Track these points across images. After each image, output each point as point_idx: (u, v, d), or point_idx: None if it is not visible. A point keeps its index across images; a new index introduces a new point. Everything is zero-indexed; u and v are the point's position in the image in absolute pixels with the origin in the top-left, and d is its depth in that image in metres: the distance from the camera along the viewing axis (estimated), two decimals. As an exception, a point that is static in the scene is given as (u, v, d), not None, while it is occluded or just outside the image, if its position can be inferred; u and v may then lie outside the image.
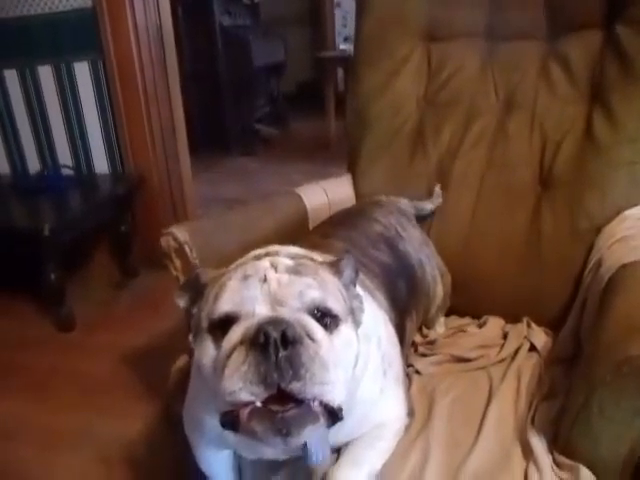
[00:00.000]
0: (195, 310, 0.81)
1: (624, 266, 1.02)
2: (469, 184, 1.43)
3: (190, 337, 0.80)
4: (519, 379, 1.09)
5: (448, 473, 0.88)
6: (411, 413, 1.01)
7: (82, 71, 2.54)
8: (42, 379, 2.02)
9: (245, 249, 0.89)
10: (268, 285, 0.74)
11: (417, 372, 1.16)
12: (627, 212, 1.23)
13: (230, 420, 0.70)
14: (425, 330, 1.33)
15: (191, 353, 0.99)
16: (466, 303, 1.38)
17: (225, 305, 0.74)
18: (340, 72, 5.38)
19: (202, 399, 0.91)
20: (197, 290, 0.81)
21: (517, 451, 0.92)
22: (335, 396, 0.70)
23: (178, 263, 1.18)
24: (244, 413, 0.68)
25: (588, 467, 0.85)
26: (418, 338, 1.31)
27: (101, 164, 2.70)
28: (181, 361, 1.16)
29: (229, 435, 0.86)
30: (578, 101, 1.35)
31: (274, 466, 0.95)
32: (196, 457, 1.02)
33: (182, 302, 0.84)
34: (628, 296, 0.95)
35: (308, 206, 1.47)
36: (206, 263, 1.08)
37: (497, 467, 0.88)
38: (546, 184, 1.35)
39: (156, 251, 1.23)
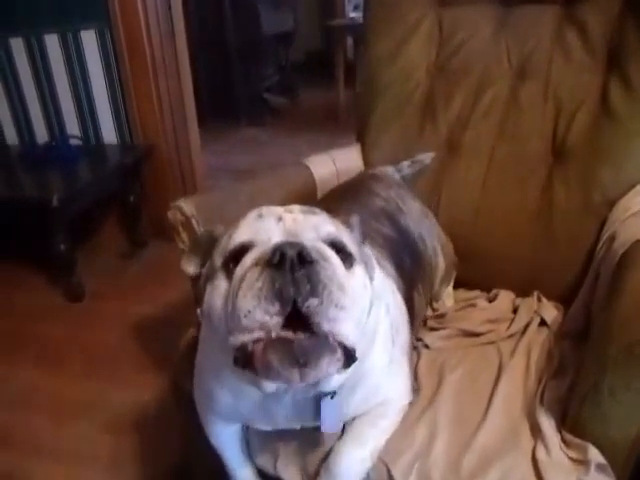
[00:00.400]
0: (207, 266, 0.78)
1: (639, 241, 1.00)
2: (479, 154, 1.40)
3: (198, 311, 0.77)
4: (529, 355, 1.09)
5: (455, 449, 0.88)
6: (415, 390, 1.00)
7: (89, 40, 2.50)
8: (52, 349, 2.04)
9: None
10: (283, 222, 0.73)
11: (426, 346, 1.15)
12: (642, 185, 1.20)
13: (244, 355, 0.67)
14: (435, 304, 1.32)
15: (199, 326, 0.98)
16: (476, 275, 1.37)
17: (240, 237, 0.73)
18: (350, 41, 5.29)
19: (211, 369, 0.90)
20: (209, 246, 0.79)
21: (525, 429, 0.91)
22: (350, 330, 0.66)
23: (185, 236, 1.17)
24: (259, 346, 0.65)
25: (597, 446, 0.84)
26: (428, 311, 1.30)
27: (109, 134, 2.68)
28: (189, 335, 1.16)
29: (242, 403, 0.87)
30: (594, 70, 1.31)
31: (283, 440, 0.95)
32: (206, 430, 1.02)
33: (191, 267, 0.81)
34: (642, 272, 0.93)
35: (316, 176, 1.46)
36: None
37: (505, 445, 0.88)
38: (559, 155, 1.32)
39: (165, 221, 1.22)
